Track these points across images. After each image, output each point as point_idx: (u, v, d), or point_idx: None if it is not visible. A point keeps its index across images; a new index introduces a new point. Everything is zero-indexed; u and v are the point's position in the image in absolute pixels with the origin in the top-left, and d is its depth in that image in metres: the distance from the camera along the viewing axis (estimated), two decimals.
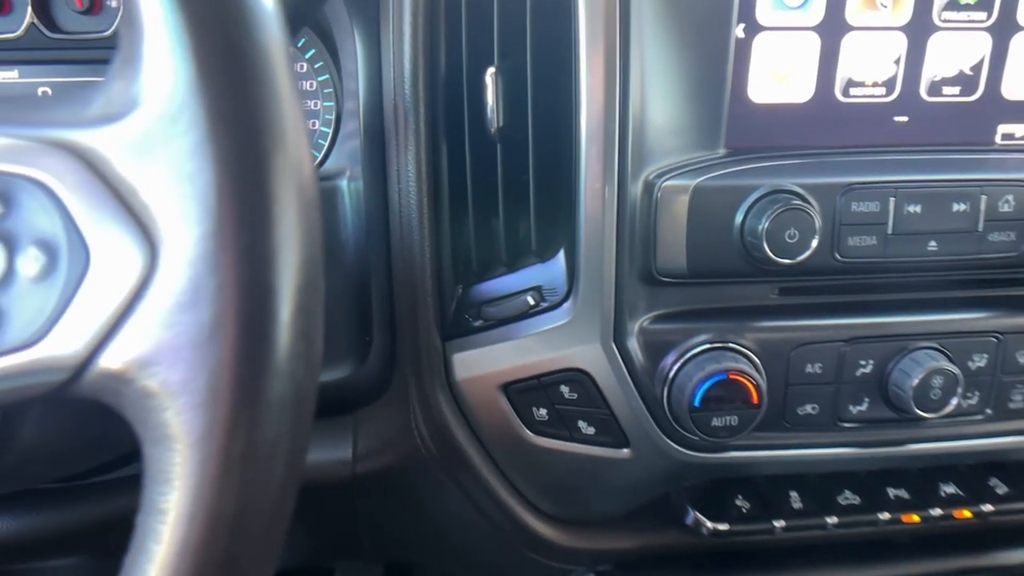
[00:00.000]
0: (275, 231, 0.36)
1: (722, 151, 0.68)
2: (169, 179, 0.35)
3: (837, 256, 0.68)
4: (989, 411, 0.75)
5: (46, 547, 0.79)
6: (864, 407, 0.73)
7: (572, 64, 0.65)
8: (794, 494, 0.79)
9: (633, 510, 0.81)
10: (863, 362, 0.72)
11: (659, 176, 0.66)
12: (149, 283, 0.35)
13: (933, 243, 0.68)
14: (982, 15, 0.67)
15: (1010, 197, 0.68)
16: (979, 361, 0.73)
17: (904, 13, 0.67)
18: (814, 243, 0.65)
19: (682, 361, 0.69)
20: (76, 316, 0.36)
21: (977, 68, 0.69)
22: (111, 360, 0.36)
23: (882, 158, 0.69)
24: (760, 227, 0.64)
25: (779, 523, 0.77)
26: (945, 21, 0.67)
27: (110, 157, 0.36)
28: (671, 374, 0.69)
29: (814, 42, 0.67)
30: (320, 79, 0.75)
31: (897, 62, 0.68)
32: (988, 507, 0.79)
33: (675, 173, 0.66)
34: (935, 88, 0.69)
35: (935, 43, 0.68)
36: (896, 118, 0.70)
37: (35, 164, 0.37)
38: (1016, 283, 0.74)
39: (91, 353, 0.36)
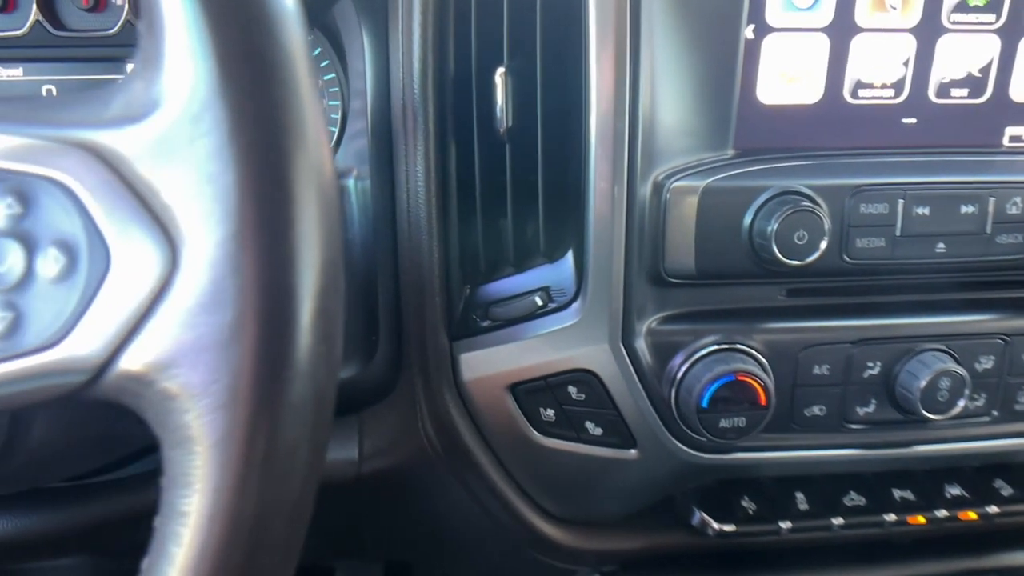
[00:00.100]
0: (297, 233, 0.35)
1: (731, 152, 0.68)
2: (190, 180, 0.35)
3: (845, 258, 0.68)
4: (995, 413, 0.75)
5: (47, 547, 0.79)
6: (871, 408, 0.73)
7: (582, 64, 0.65)
8: (800, 495, 0.79)
9: (639, 511, 0.81)
10: (871, 363, 0.72)
11: (668, 177, 0.66)
12: (170, 284, 0.35)
13: (941, 245, 0.69)
14: (991, 17, 0.67)
15: (1018, 199, 0.68)
16: (986, 363, 0.73)
17: (913, 15, 0.67)
18: (823, 245, 0.65)
19: (690, 362, 0.69)
20: (96, 317, 0.36)
21: (986, 70, 0.69)
22: (131, 362, 0.35)
23: (891, 160, 0.69)
24: (769, 228, 0.64)
25: (785, 524, 0.77)
26: (954, 23, 0.67)
27: (131, 158, 0.36)
28: (679, 375, 0.69)
29: (823, 43, 0.67)
30: (326, 78, 0.75)
31: (906, 64, 0.68)
32: (993, 509, 0.79)
33: (684, 174, 0.66)
34: (944, 90, 0.69)
35: (944, 45, 0.68)
36: (905, 120, 0.70)
37: (55, 164, 0.36)
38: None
39: (111, 355, 0.35)
